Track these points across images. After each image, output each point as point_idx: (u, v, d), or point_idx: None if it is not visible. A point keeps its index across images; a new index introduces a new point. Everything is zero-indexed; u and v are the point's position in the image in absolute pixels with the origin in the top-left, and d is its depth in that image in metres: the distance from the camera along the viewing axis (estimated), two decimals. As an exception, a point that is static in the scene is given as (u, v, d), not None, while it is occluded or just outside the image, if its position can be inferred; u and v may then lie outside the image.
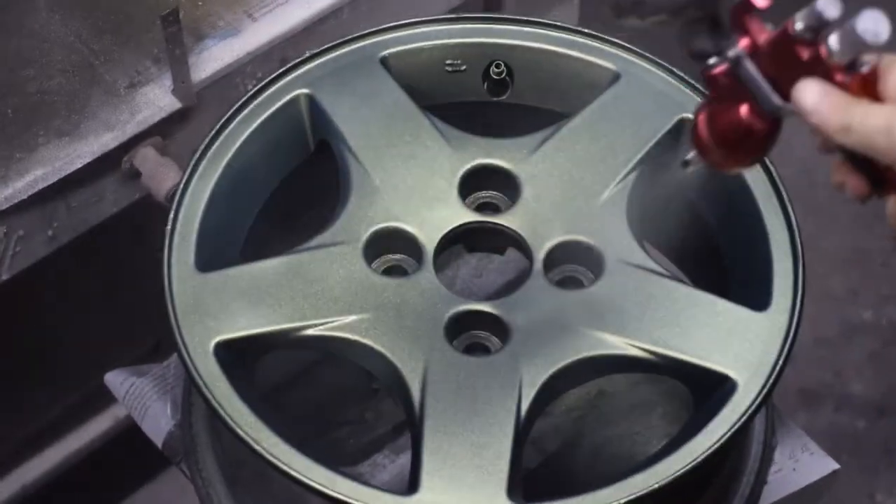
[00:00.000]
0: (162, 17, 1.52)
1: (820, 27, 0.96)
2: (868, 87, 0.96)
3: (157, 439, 1.42)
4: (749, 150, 1.05)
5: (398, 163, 1.33)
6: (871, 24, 0.93)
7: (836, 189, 1.02)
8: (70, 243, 1.64)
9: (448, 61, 1.41)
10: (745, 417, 1.19)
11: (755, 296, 1.26)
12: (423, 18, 1.41)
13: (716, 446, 1.18)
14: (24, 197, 1.53)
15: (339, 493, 1.15)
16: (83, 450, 2.08)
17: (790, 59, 0.98)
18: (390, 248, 1.31)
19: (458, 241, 1.32)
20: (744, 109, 1.02)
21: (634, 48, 1.39)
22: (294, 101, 1.37)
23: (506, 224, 1.31)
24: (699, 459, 1.17)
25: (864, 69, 0.97)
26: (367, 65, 1.39)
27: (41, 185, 1.53)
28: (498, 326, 1.25)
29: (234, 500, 1.35)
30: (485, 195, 1.35)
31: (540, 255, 1.29)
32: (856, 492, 2.21)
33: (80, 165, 1.54)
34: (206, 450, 1.37)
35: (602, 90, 1.37)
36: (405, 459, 1.42)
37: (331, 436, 1.45)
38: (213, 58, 1.64)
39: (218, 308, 1.24)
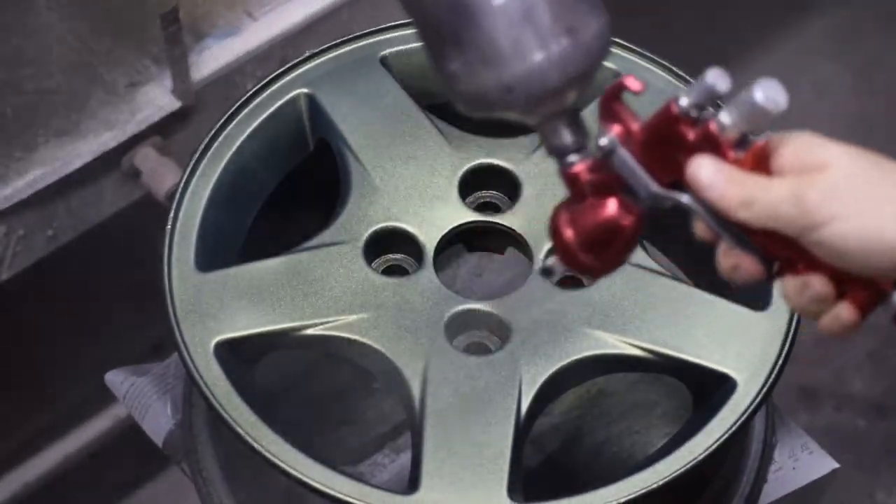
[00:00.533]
0: (162, 16, 1.52)
1: (707, 103, 0.92)
2: (761, 164, 0.92)
3: (158, 439, 1.42)
4: (618, 249, 0.98)
5: (398, 162, 1.33)
6: (771, 92, 0.89)
7: (727, 276, 0.98)
8: (70, 243, 1.64)
9: (448, 61, 1.40)
10: (744, 417, 1.19)
11: (755, 295, 1.26)
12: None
13: (715, 445, 1.18)
14: (24, 197, 1.53)
15: (339, 492, 1.15)
16: (83, 450, 2.08)
17: (672, 141, 0.93)
18: (390, 247, 1.31)
19: (458, 240, 1.32)
20: (612, 205, 0.97)
21: (634, 47, 1.39)
22: (294, 101, 1.37)
23: (506, 224, 1.31)
24: (699, 459, 1.17)
25: (754, 144, 0.92)
26: (367, 64, 1.39)
27: (41, 185, 1.53)
28: (498, 326, 1.25)
29: (235, 500, 1.35)
30: (485, 195, 1.35)
31: (540, 254, 1.29)
32: (855, 491, 2.21)
33: (79, 165, 1.54)
34: (206, 449, 1.37)
35: (602, 89, 1.37)
36: (405, 459, 1.42)
37: (331, 436, 1.45)
38: (213, 57, 1.64)
39: (218, 308, 1.24)
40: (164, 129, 1.60)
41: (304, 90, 1.37)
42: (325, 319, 1.24)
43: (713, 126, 0.92)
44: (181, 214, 1.30)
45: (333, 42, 1.40)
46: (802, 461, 1.39)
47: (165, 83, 1.59)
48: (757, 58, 2.52)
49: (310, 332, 1.24)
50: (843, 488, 2.17)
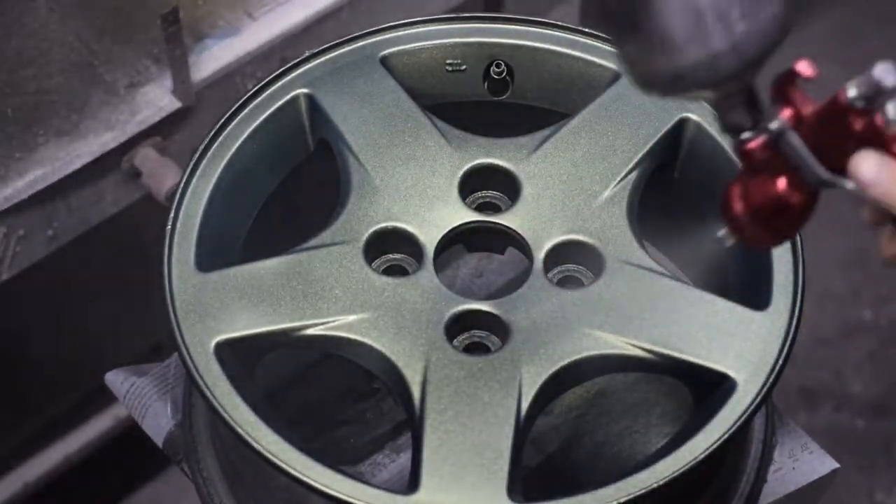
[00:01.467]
0: (162, 16, 1.52)
1: (875, 96, 0.93)
2: None
3: (158, 439, 1.42)
4: (785, 224, 1.01)
5: (398, 162, 1.33)
6: None
7: (889, 265, 0.99)
8: (70, 243, 1.64)
9: (448, 61, 1.41)
10: (744, 417, 1.19)
11: (755, 295, 1.26)
12: (423, 18, 1.41)
13: (715, 445, 1.18)
14: (24, 197, 1.53)
15: (339, 492, 1.15)
16: (83, 450, 2.08)
17: (840, 130, 0.95)
18: (390, 247, 1.31)
19: (459, 240, 1.32)
20: (781, 183, 0.99)
21: (634, 48, 1.39)
22: (294, 101, 1.37)
23: (506, 224, 1.31)
24: (699, 459, 1.17)
25: None
26: (367, 65, 1.39)
27: (41, 185, 1.53)
28: (498, 326, 1.25)
29: (235, 500, 1.35)
30: (485, 195, 1.35)
31: (540, 254, 1.29)
32: (855, 491, 2.21)
33: (79, 165, 1.55)
34: (206, 449, 1.37)
35: (602, 89, 1.37)
36: (405, 459, 1.42)
37: (331, 435, 1.45)
38: (213, 57, 1.64)
39: (218, 308, 1.24)
40: (164, 130, 1.61)
41: (304, 90, 1.37)
42: (325, 319, 1.24)
43: (879, 119, 0.93)
44: (181, 214, 1.30)
45: (333, 42, 1.40)
46: (802, 461, 1.39)
47: (166, 83, 1.60)
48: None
49: (310, 332, 1.24)
50: (842, 488, 2.17)
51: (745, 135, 0.99)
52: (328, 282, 1.26)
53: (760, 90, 0.99)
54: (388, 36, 1.41)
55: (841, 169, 0.97)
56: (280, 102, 1.36)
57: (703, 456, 1.17)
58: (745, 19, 0.94)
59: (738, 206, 1.01)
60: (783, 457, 1.39)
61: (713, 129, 1.34)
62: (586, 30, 1.40)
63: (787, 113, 0.97)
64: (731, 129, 0.99)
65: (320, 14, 1.69)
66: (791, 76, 0.97)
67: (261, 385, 1.29)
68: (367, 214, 1.30)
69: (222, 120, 1.35)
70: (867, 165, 0.94)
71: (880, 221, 0.98)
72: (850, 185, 0.96)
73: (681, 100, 1.00)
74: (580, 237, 1.30)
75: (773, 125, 0.97)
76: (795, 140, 0.97)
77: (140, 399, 1.44)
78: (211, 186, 1.32)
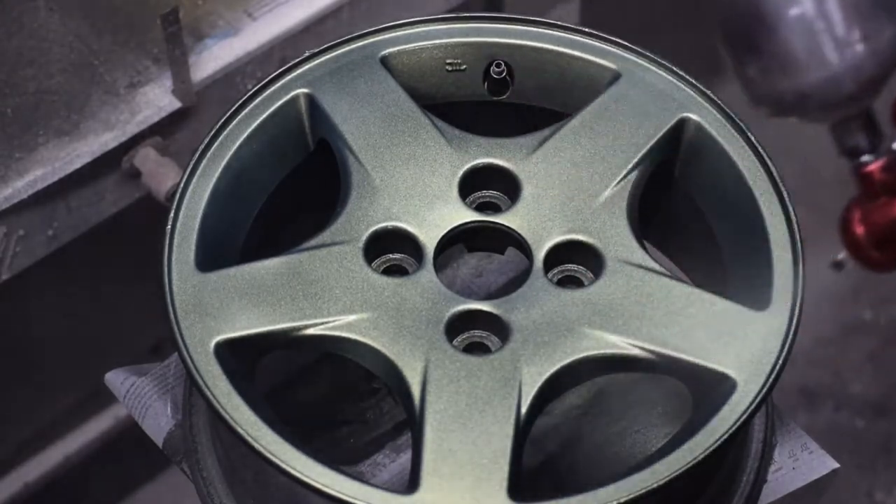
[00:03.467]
0: (162, 16, 1.52)
1: None
2: None
3: (158, 439, 1.42)
4: None
5: (398, 162, 1.33)
6: None
7: None
8: (70, 243, 1.64)
9: (448, 61, 1.41)
10: (744, 417, 1.19)
11: (755, 295, 1.26)
12: (423, 18, 1.41)
13: (715, 445, 1.18)
14: (24, 197, 1.53)
15: (339, 492, 1.15)
16: (83, 450, 2.08)
17: None
18: (390, 247, 1.31)
19: (459, 240, 1.32)
20: None
21: (635, 47, 1.39)
22: (294, 101, 1.37)
23: (506, 223, 1.31)
24: (699, 458, 1.17)
25: None
26: (367, 64, 1.39)
27: (41, 185, 1.53)
28: (498, 326, 1.25)
29: (235, 500, 1.35)
30: (485, 195, 1.35)
31: (540, 254, 1.29)
32: (855, 491, 2.21)
33: (79, 165, 1.55)
34: (206, 449, 1.37)
35: (603, 89, 1.37)
36: (405, 459, 1.42)
37: (331, 435, 1.45)
38: (213, 57, 1.64)
39: (218, 308, 1.24)
40: (164, 130, 1.61)
41: (304, 90, 1.37)
42: (325, 319, 1.24)
43: None
44: (181, 214, 1.30)
45: (333, 42, 1.40)
46: (802, 461, 1.39)
47: (166, 83, 1.60)
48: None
49: (310, 332, 1.24)
50: (842, 488, 2.17)
51: (865, 158, 0.98)
52: (328, 282, 1.26)
53: (879, 112, 0.99)
54: (388, 36, 1.40)
55: None
56: (280, 102, 1.36)
57: (703, 456, 1.17)
58: (866, 41, 0.94)
59: (858, 230, 1.00)
60: (783, 457, 1.39)
61: (713, 129, 1.34)
62: (586, 29, 1.40)
63: None
64: (850, 153, 0.98)
65: (320, 14, 1.69)
66: None
67: (261, 385, 1.29)
68: (366, 214, 1.30)
69: (222, 120, 1.35)
70: None
71: None
72: None
73: (800, 120, 0.98)
74: (580, 237, 1.30)
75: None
76: None
77: (140, 399, 1.44)
78: (211, 186, 1.32)
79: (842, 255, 1.01)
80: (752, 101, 0.97)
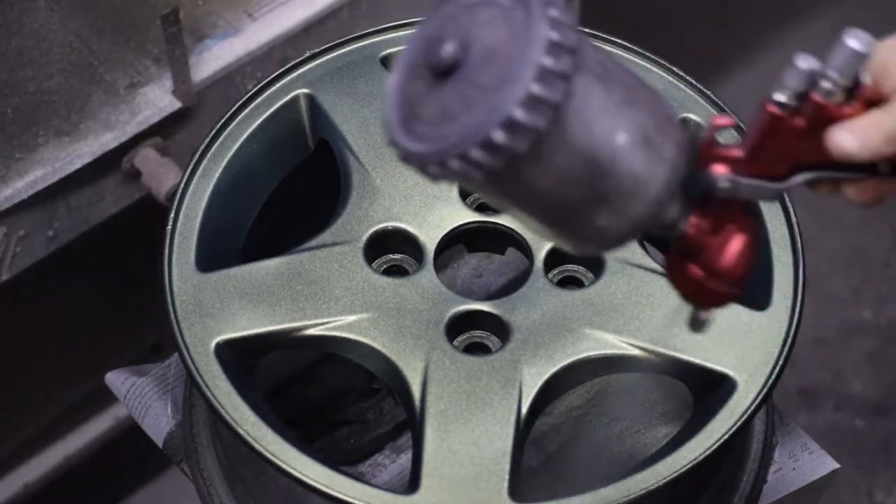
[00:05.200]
0: (162, 17, 1.52)
1: (808, 87, 0.96)
2: (874, 102, 0.97)
3: (158, 439, 1.42)
4: (751, 262, 1.02)
5: (398, 162, 1.32)
6: (860, 37, 0.94)
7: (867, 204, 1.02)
8: (70, 243, 1.64)
9: (448, 61, 1.40)
10: (744, 417, 1.19)
11: (755, 295, 1.26)
12: (424, 18, 1.41)
13: (716, 446, 1.18)
14: (24, 197, 1.53)
15: (339, 492, 1.15)
16: (83, 450, 2.08)
17: (785, 138, 0.98)
18: (391, 247, 1.31)
19: (459, 240, 1.32)
20: (733, 231, 1.01)
21: (634, 48, 1.39)
22: (294, 101, 1.37)
23: (506, 224, 1.31)
24: (699, 459, 1.17)
25: (860, 90, 0.97)
26: (367, 65, 1.39)
27: (41, 185, 1.53)
28: (498, 326, 1.26)
29: (235, 500, 1.35)
30: (485, 195, 1.34)
31: (540, 254, 1.29)
32: (855, 491, 2.21)
33: (80, 165, 1.55)
34: (206, 449, 1.37)
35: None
36: (406, 459, 1.42)
37: (331, 435, 1.45)
38: (213, 58, 1.64)
39: (218, 308, 1.24)
40: (164, 130, 1.60)
41: (305, 90, 1.37)
42: (325, 319, 1.24)
43: (818, 98, 0.96)
44: (181, 214, 1.30)
45: (333, 42, 1.40)
46: (802, 461, 1.39)
47: (166, 84, 1.59)
48: (757, 58, 2.52)
49: (310, 332, 1.24)
50: (842, 488, 2.17)
51: (682, 225, 1.00)
52: (328, 282, 1.26)
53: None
54: (388, 36, 1.41)
55: (788, 173, 0.99)
56: (280, 102, 1.36)
57: (703, 456, 1.17)
58: (671, 115, 0.97)
59: (703, 279, 1.01)
60: (783, 457, 1.39)
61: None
62: (586, 29, 1.40)
63: (724, 168, 0.99)
64: (670, 230, 1.00)
65: (320, 14, 1.69)
66: (712, 138, 1.00)
67: (261, 385, 1.29)
68: (367, 214, 1.30)
69: (222, 120, 1.35)
70: (845, 137, 0.97)
71: (836, 188, 1.01)
72: (805, 177, 0.99)
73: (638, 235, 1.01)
74: (580, 237, 1.30)
75: (723, 185, 0.99)
76: (746, 182, 0.99)
77: (140, 399, 1.44)
78: (211, 186, 1.32)
79: (702, 314, 1.03)
80: (596, 248, 0.98)
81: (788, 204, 1.30)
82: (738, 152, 0.99)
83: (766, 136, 0.98)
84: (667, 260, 1.04)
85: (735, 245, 1.01)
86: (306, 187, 1.40)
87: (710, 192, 1.00)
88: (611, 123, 0.93)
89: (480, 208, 1.33)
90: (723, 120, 1.01)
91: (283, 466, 1.16)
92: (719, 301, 1.03)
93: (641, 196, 0.95)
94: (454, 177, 0.92)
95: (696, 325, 1.05)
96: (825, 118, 0.97)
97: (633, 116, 0.94)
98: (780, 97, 0.97)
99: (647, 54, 1.39)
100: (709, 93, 1.37)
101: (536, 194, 0.94)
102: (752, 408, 1.19)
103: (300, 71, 1.38)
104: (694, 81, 1.37)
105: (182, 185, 1.31)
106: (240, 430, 1.17)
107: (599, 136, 0.92)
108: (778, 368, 1.22)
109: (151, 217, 1.42)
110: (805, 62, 0.96)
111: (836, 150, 0.97)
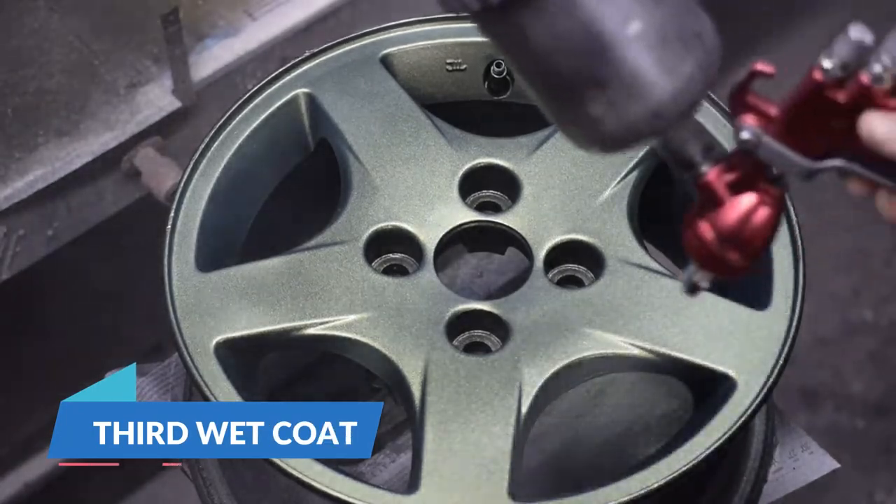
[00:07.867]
0: (162, 16, 1.52)
1: (854, 61, 0.92)
2: None
3: (158, 439, 1.42)
4: (764, 239, 0.97)
5: (398, 162, 1.33)
6: None
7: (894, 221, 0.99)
8: (70, 243, 1.64)
9: (448, 61, 1.41)
10: (745, 417, 1.19)
11: (755, 295, 1.26)
12: (423, 18, 1.41)
13: (716, 445, 1.18)
14: (24, 197, 1.53)
15: (339, 492, 1.15)
16: (83, 450, 2.08)
17: (822, 110, 0.93)
18: (391, 247, 1.31)
19: (459, 240, 1.32)
20: (752, 198, 0.96)
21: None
22: (294, 101, 1.37)
23: (506, 223, 1.31)
24: (699, 458, 1.17)
25: None
26: (367, 64, 1.39)
27: (41, 185, 1.53)
28: (498, 326, 1.25)
29: (235, 500, 1.35)
30: (485, 194, 1.35)
31: (540, 254, 1.29)
32: (855, 491, 2.21)
33: (79, 165, 1.55)
34: (206, 449, 1.37)
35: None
36: (406, 459, 1.42)
37: (331, 435, 1.44)
38: (213, 57, 1.64)
39: (218, 307, 1.24)
40: (164, 130, 1.61)
41: (304, 90, 1.37)
42: (325, 319, 1.24)
43: (865, 79, 0.92)
44: (181, 214, 1.30)
45: (333, 42, 1.40)
46: (802, 461, 1.39)
47: (166, 83, 1.60)
48: (757, 58, 2.52)
49: (310, 331, 1.24)
50: (842, 488, 2.17)
51: (703, 167, 0.96)
52: (328, 281, 1.26)
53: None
54: (388, 36, 1.40)
55: (822, 155, 0.95)
56: (280, 102, 1.36)
57: (703, 456, 1.17)
58: (699, 39, 0.93)
59: (710, 238, 0.97)
60: (783, 457, 1.39)
61: (713, 128, 1.33)
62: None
63: (753, 120, 0.95)
64: (687, 165, 0.97)
65: (320, 14, 1.69)
66: (748, 83, 0.96)
67: (261, 385, 1.29)
68: (367, 214, 1.30)
69: (222, 120, 1.35)
70: (878, 123, 0.92)
71: (870, 193, 0.97)
72: (838, 162, 0.95)
73: (633, 148, 0.96)
74: (580, 237, 1.30)
75: (745, 136, 0.94)
76: (771, 143, 0.95)
77: (140, 399, 1.44)
78: (211, 186, 1.32)
79: (697, 275, 0.98)
80: (592, 143, 0.94)
81: (789, 204, 1.30)
82: (772, 109, 0.95)
83: (804, 100, 0.93)
84: (685, 217, 0.99)
85: (756, 213, 0.96)
86: (306, 187, 1.40)
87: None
88: (628, 6, 0.89)
89: (481, 208, 1.33)
90: (764, 67, 0.96)
91: (283, 466, 1.16)
92: (726, 270, 0.98)
93: (640, 98, 0.90)
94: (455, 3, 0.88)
95: (691, 288, 1.01)
96: (867, 102, 0.93)
97: (655, 10, 0.89)
98: (827, 63, 0.92)
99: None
100: (709, 93, 1.36)
101: (533, 53, 0.90)
102: (753, 407, 1.19)
103: (300, 70, 1.38)
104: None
105: (182, 185, 1.31)
106: (240, 430, 1.17)
107: (609, 15, 0.88)
108: (778, 368, 1.21)
109: (151, 217, 1.42)
110: (857, 32, 0.91)
111: (866, 134, 0.92)
